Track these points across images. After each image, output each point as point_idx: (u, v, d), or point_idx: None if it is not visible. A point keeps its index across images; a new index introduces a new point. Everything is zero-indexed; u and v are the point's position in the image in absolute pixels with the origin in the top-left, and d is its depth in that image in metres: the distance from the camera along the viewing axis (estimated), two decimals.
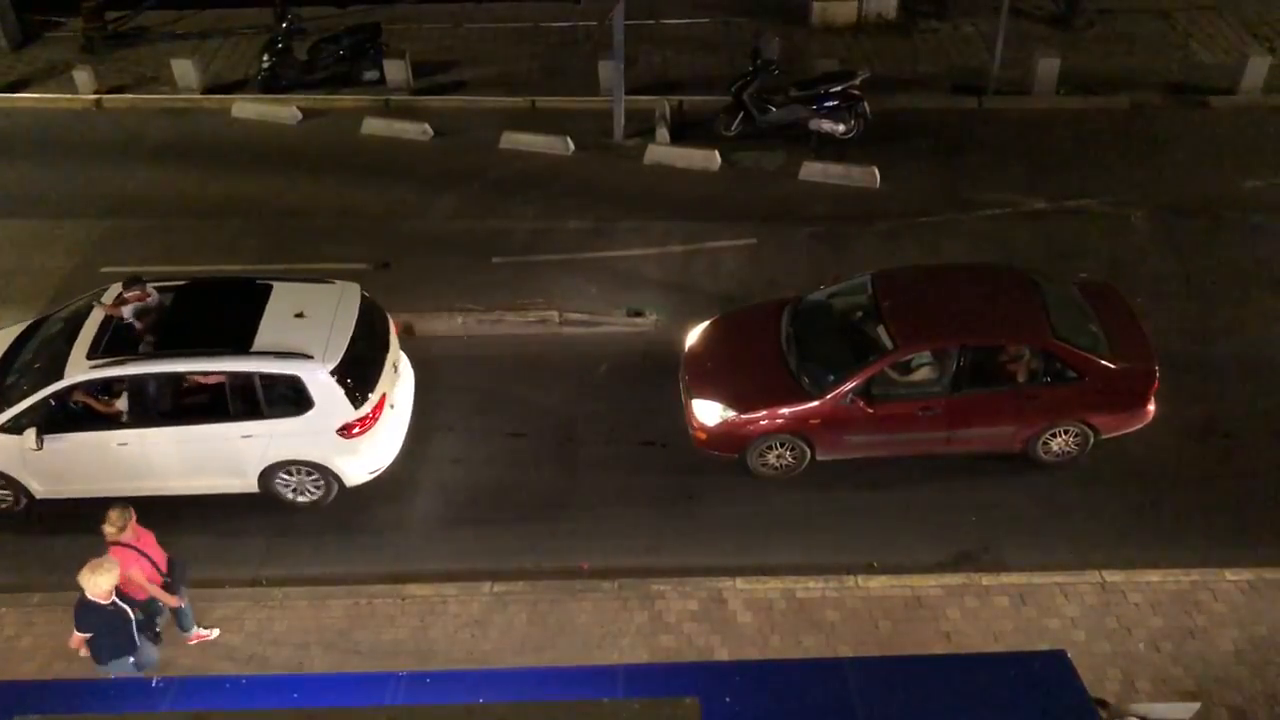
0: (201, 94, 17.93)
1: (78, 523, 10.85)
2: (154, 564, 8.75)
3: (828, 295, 11.80)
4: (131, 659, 8.50)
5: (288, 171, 16.07)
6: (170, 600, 8.91)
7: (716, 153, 16.03)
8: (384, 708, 6.51)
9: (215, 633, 9.65)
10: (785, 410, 10.72)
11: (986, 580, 10.02)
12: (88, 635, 8.18)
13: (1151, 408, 10.88)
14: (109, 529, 8.59)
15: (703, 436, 10.98)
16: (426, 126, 16.84)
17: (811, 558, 10.36)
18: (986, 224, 14.70)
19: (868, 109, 16.11)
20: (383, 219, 15.03)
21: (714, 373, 11.25)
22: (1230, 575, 10.01)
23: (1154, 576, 10.01)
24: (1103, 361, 10.62)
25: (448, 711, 6.46)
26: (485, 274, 13.85)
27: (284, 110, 17.37)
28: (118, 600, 8.19)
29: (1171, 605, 9.77)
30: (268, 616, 9.84)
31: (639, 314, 13.25)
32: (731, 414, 10.81)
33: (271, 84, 17.84)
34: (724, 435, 10.89)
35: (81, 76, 17.87)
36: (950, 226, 14.65)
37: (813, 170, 15.72)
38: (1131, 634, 9.53)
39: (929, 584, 10.01)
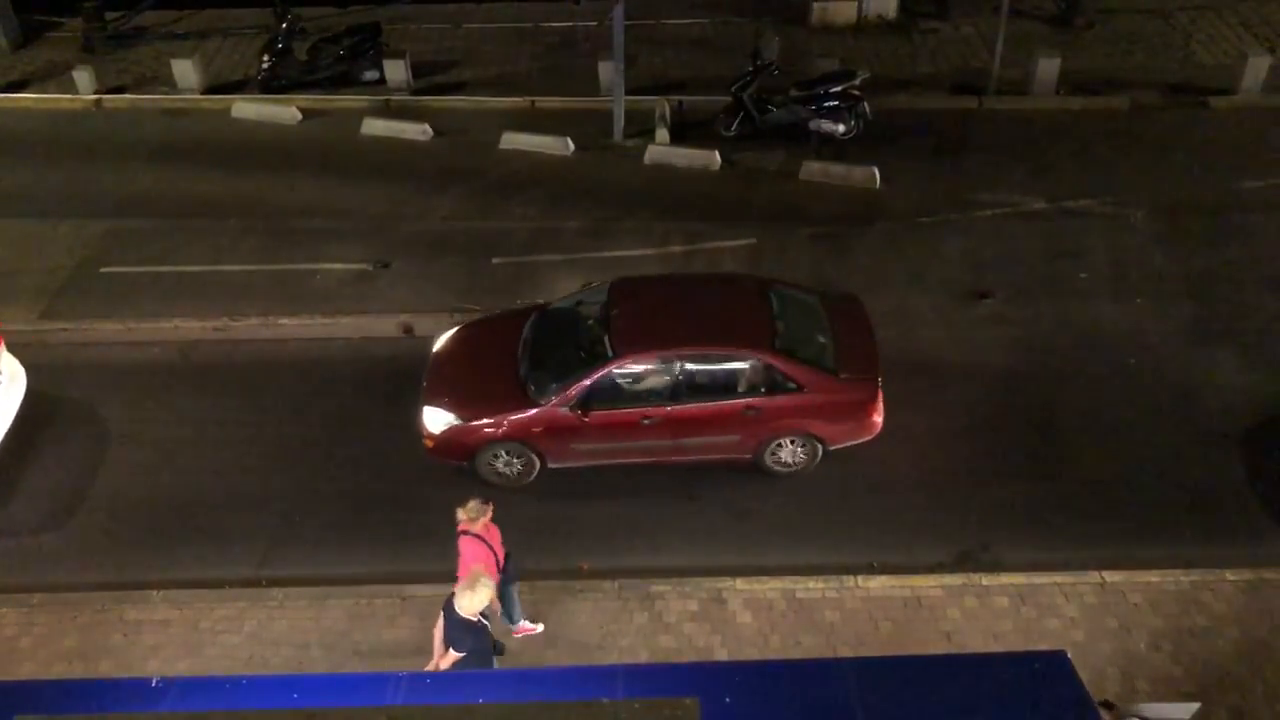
0: (201, 94, 17.93)
1: (78, 522, 10.92)
2: (496, 559, 8.71)
3: (574, 302, 11.72)
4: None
5: (288, 172, 16.07)
6: (495, 604, 8.69)
7: (716, 153, 16.03)
8: (384, 708, 6.51)
9: (540, 627, 9.60)
10: (508, 418, 10.69)
11: (986, 580, 10.02)
12: (462, 655, 7.99)
13: (878, 419, 10.88)
14: (464, 516, 8.57)
15: (430, 444, 10.93)
16: (426, 127, 16.85)
17: (807, 558, 10.36)
18: (986, 224, 14.70)
19: (868, 109, 16.12)
20: (383, 219, 15.03)
21: (449, 379, 11.22)
22: (1230, 575, 10.00)
23: (1154, 577, 10.00)
24: (824, 374, 10.65)
25: (448, 712, 6.47)
26: (485, 274, 13.86)
27: (284, 110, 17.37)
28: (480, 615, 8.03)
29: (1171, 605, 9.77)
30: (268, 616, 9.84)
31: None
32: (457, 421, 10.77)
33: (271, 84, 17.84)
34: (450, 442, 10.85)
35: (81, 77, 17.88)
36: (950, 227, 14.66)
37: (813, 170, 15.72)
38: (1131, 634, 9.53)
39: (929, 584, 10.01)
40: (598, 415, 10.59)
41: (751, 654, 9.40)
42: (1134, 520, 10.66)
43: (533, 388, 10.79)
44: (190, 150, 16.69)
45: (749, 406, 10.62)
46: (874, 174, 15.53)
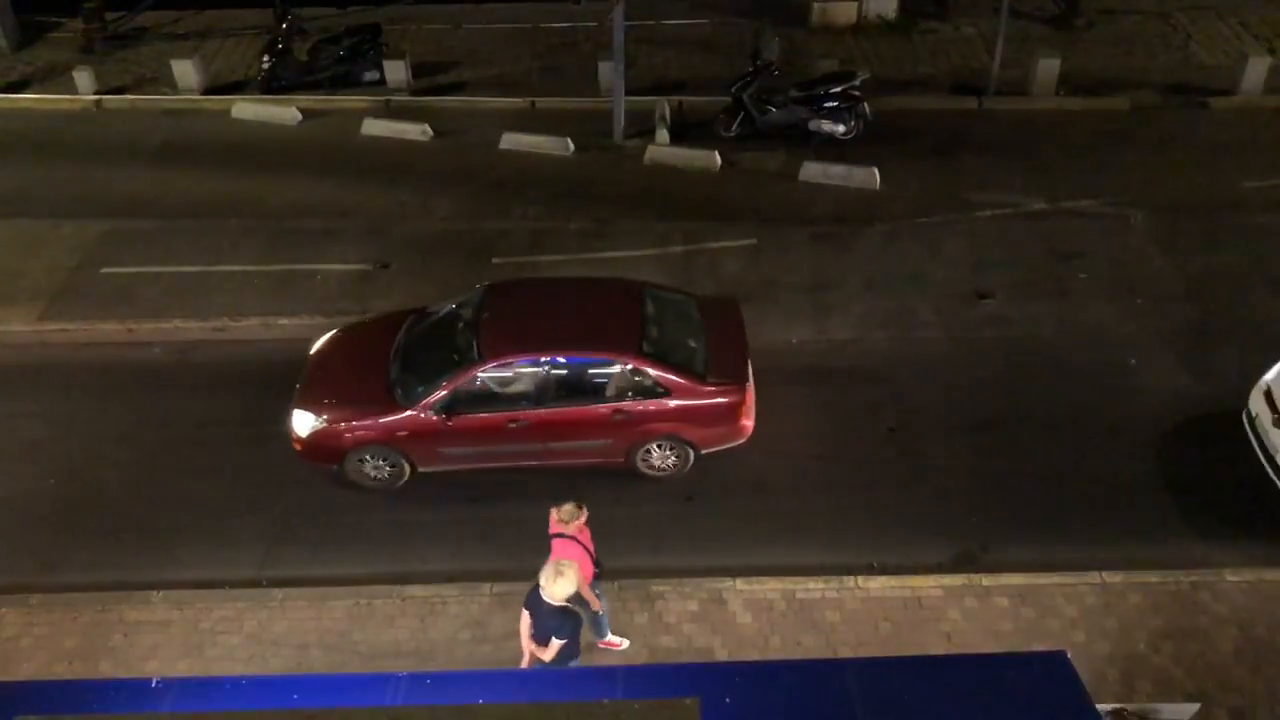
0: (201, 94, 17.95)
1: (81, 522, 10.92)
2: (592, 560, 8.73)
3: (453, 306, 11.65)
4: (574, 661, 8.43)
5: (288, 172, 16.08)
6: (594, 603, 8.83)
7: (716, 153, 16.04)
8: (384, 708, 6.51)
9: (625, 643, 9.50)
10: (373, 422, 10.65)
11: (986, 581, 10.01)
12: (564, 641, 8.05)
13: (748, 424, 10.89)
14: (559, 518, 8.60)
15: (298, 447, 10.90)
16: (427, 127, 16.85)
17: (810, 558, 10.36)
18: (986, 224, 14.70)
19: (868, 109, 16.13)
20: (383, 219, 15.03)
21: (321, 382, 11.19)
22: (1230, 575, 9.99)
23: (1154, 577, 9.99)
24: (692, 378, 10.65)
25: (448, 712, 6.46)
26: (485, 274, 13.84)
27: (284, 111, 17.38)
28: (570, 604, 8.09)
29: (1171, 605, 9.76)
30: (268, 617, 9.84)
31: None
32: (323, 424, 10.75)
33: (271, 85, 17.86)
34: (317, 445, 10.82)
35: (81, 77, 17.89)
36: (950, 227, 14.66)
37: (813, 171, 15.72)
38: (1131, 634, 9.53)
39: (929, 584, 10.00)
40: (464, 419, 10.55)
41: (751, 654, 9.38)
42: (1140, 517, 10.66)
43: (399, 391, 10.76)
44: (190, 151, 16.70)
45: (617, 411, 10.60)
46: (874, 174, 15.53)
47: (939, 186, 15.44)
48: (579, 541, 8.67)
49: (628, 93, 16.36)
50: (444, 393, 10.52)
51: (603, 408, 10.62)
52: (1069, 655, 7.13)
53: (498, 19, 19.99)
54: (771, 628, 9.64)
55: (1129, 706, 8.38)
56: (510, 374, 10.67)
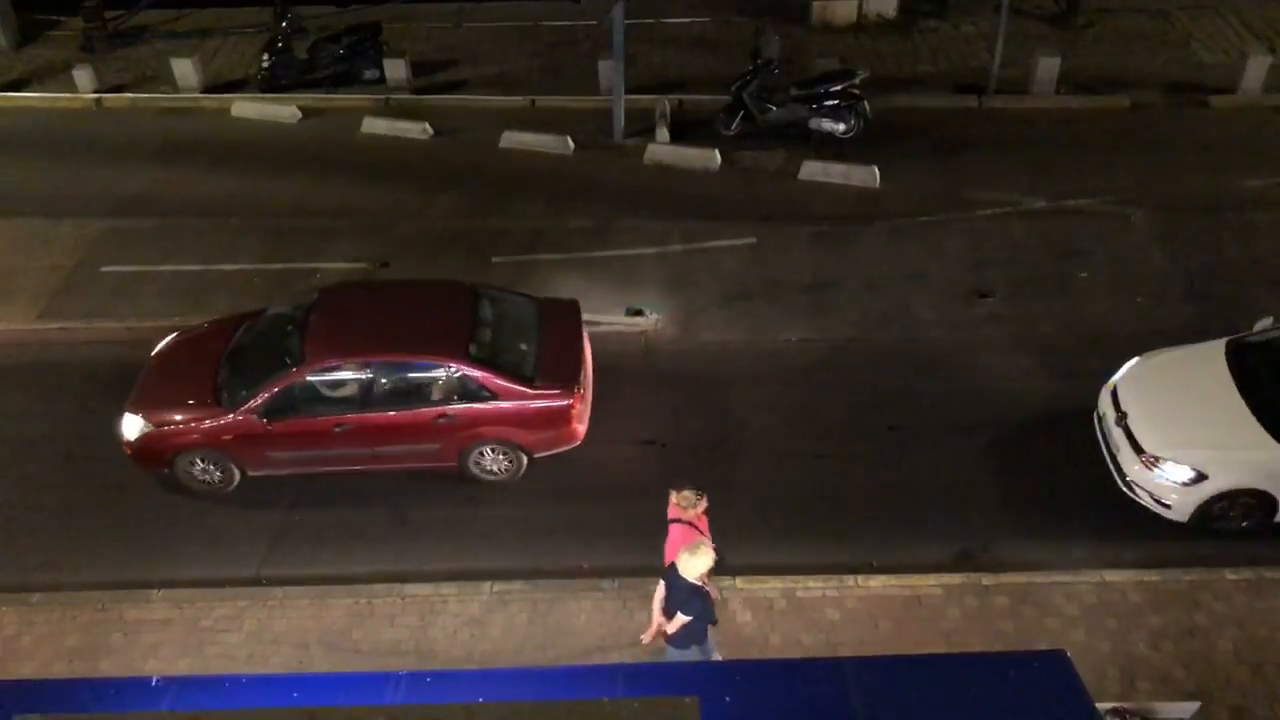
0: (201, 93, 17.95)
1: (81, 523, 10.92)
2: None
3: (289, 309, 11.61)
4: (699, 646, 8.51)
5: (288, 171, 16.08)
6: (714, 591, 8.83)
7: (716, 152, 16.03)
8: (384, 707, 6.51)
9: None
10: (198, 426, 10.63)
11: (986, 580, 10.00)
12: (689, 619, 8.14)
13: (579, 428, 10.91)
14: (680, 502, 8.63)
15: (129, 451, 10.88)
16: (426, 126, 16.85)
17: (810, 558, 10.37)
18: (986, 223, 14.69)
19: (868, 108, 16.11)
20: (382, 218, 15.03)
21: (153, 385, 11.16)
22: (1230, 575, 9.99)
23: (1154, 576, 10.00)
24: (519, 382, 10.65)
25: (448, 711, 6.47)
26: (485, 273, 13.84)
27: (284, 110, 17.38)
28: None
29: (1171, 605, 9.76)
30: (268, 616, 9.84)
31: (639, 313, 13.24)
32: (150, 428, 10.72)
33: (271, 83, 17.85)
34: (145, 450, 10.81)
35: (81, 76, 17.89)
36: (950, 225, 14.65)
37: (813, 169, 15.72)
38: (1131, 634, 9.53)
39: (929, 584, 10.00)
40: (288, 423, 10.54)
41: (751, 653, 9.39)
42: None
43: (225, 395, 10.75)
44: (190, 149, 16.70)
45: (441, 414, 10.59)
46: (874, 173, 15.52)
47: (939, 185, 15.44)
48: (696, 528, 8.65)
49: (628, 91, 16.36)
50: (266, 396, 10.50)
51: (428, 411, 10.61)
52: (1069, 654, 7.14)
53: (497, 18, 19.95)
54: (771, 626, 9.64)
55: (1129, 705, 8.38)
56: (334, 378, 10.64)
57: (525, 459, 11.00)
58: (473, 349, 10.66)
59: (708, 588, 8.27)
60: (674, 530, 8.66)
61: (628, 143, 16.43)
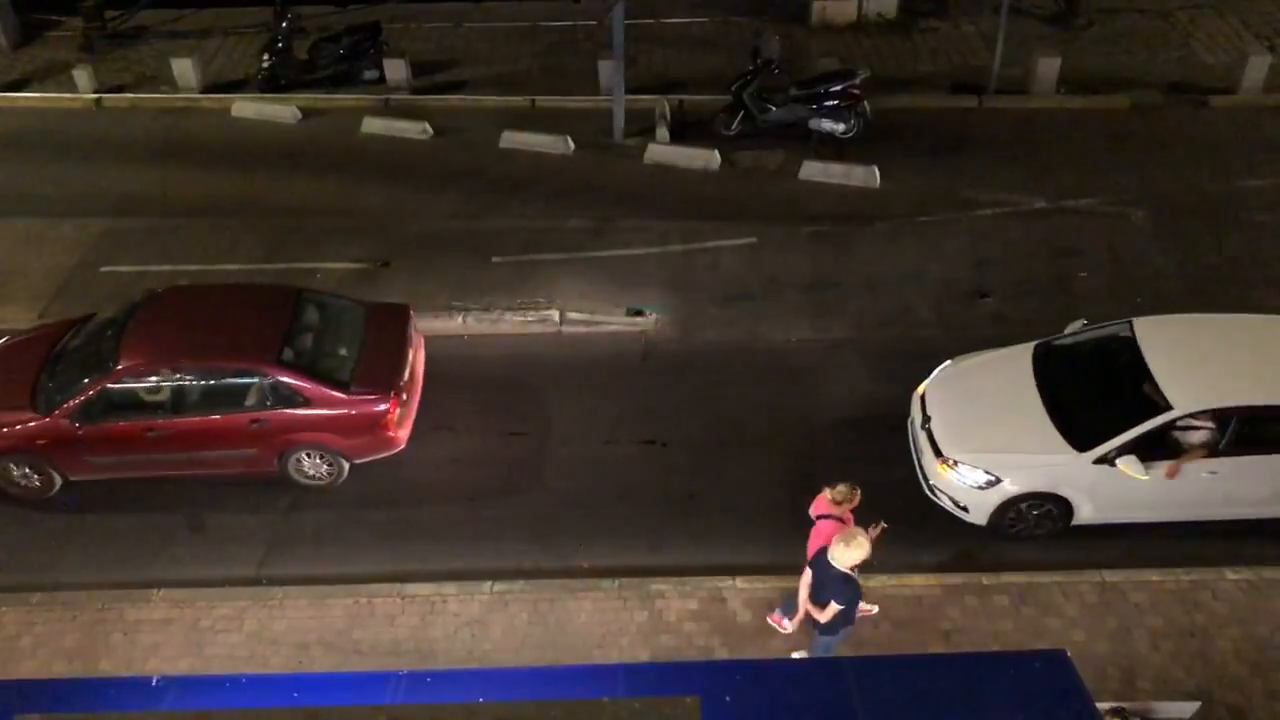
0: (201, 93, 17.93)
1: (80, 520, 10.93)
2: None
3: (116, 313, 11.53)
4: (846, 630, 8.60)
5: (287, 171, 16.07)
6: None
7: (716, 152, 16.03)
8: (384, 707, 6.51)
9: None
10: (12, 430, 10.56)
11: (986, 580, 10.01)
12: (842, 607, 8.23)
13: (396, 434, 10.88)
14: (833, 498, 8.67)
15: None
16: (426, 126, 16.84)
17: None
18: (987, 223, 14.69)
19: (868, 108, 16.11)
20: (383, 218, 15.03)
21: None
22: (1230, 574, 10.00)
23: (1154, 576, 10.00)
24: (332, 388, 10.63)
25: (448, 711, 6.47)
26: (485, 273, 13.86)
27: (284, 110, 17.37)
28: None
29: (1171, 604, 9.77)
30: (268, 615, 9.84)
31: (639, 313, 13.25)
32: None
33: (271, 83, 17.84)
34: None
35: (81, 76, 17.87)
36: (951, 225, 14.65)
37: (813, 169, 15.72)
38: (1131, 633, 9.53)
39: (929, 583, 10.00)
40: (101, 428, 10.50)
41: (752, 653, 9.39)
42: None
43: (41, 399, 10.72)
44: (190, 149, 16.69)
45: (255, 419, 10.59)
46: (874, 173, 15.52)
47: (939, 185, 15.43)
48: (844, 523, 8.66)
49: (628, 91, 16.35)
50: (77, 401, 10.47)
51: (241, 416, 10.60)
52: (1069, 654, 7.14)
53: (497, 18, 19.96)
54: (771, 626, 9.64)
55: (1129, 705, 8.39)
56: (147, 383, 10.61)
57: (345, 465, 10.99)
58: (286, 354, 10.62)
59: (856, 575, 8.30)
60: (822, 525, 8.72)
61: (628, 143, 16.43)
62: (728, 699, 6.59)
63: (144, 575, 10.33)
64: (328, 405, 10.62)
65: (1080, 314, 13.04)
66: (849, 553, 8.04)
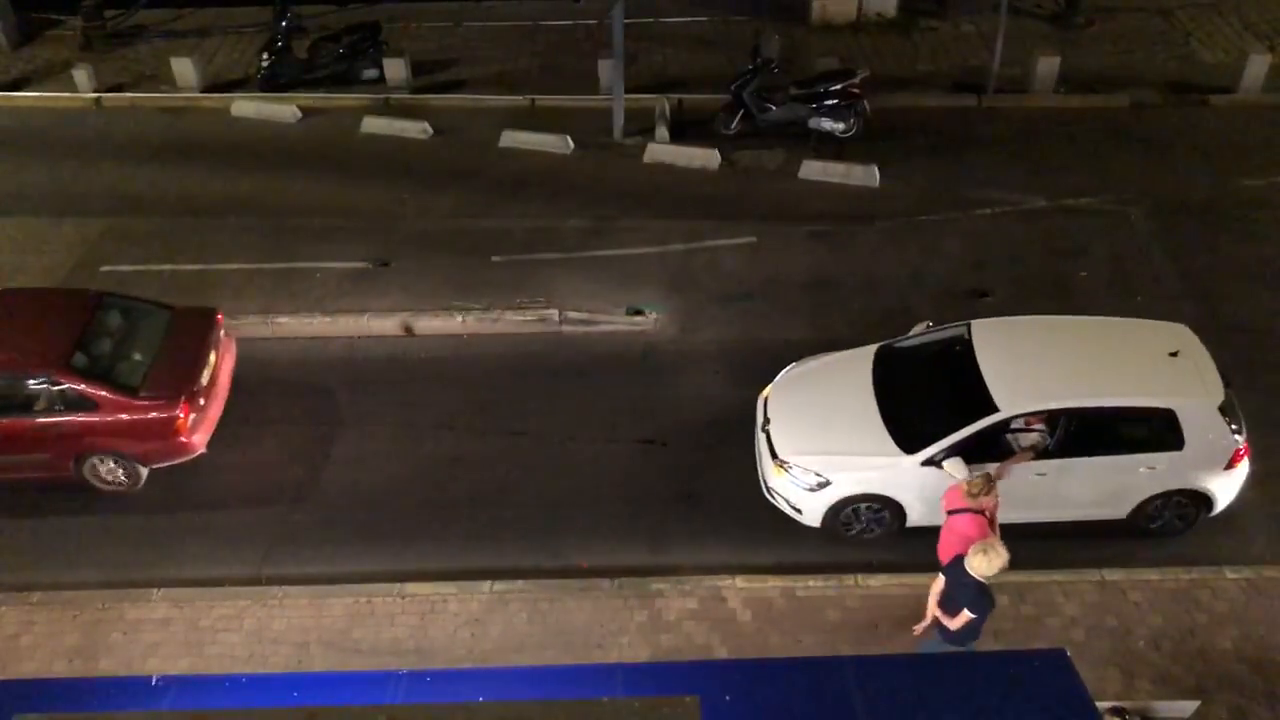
0: (201, 93, 17.93)
1: (83, 522, 10.93)
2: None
3: None
4: (974, 643, 8.51)
5: (287, 170, 16.07)
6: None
7: (716, 151, 16.03)
8: (384, 706, 6.51)
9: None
10: None
11: None
12: (975, 616, 8.17)
13: (191, 440, 10.85)
14: (969, 490, 8.60)
15: None
16: (426, 125, 16.84)
17: (804, 556, 10.38)
18: (986, 222, 14.70)
19: (867, 107, 16.11)
20: (382, 217, 15.02)
21: None
22: (1230, 573, 10.01)
23: (1154, 575, 10.01)
24: (121, 393, 10.61)
25: (448, 710, 6.47)
26: (485, 272, 13.85)
27: (284, 109, 17.37)
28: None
29: (1171, 603, 9.77)
30: (268, 615, 9.84)
31: (639, 313, 13.25)
32: None
33: (271, 83, 17.83)
34: None
35: (81, 75, 17.87)
36: (950, 225, 14.66)
37: (812, 169, 15.72)
38: (1131, 632, 9.53)
39: (929, 582, 9.95)
40: None
41: (751, 652, 9.39)
42: None
43: None
44: (190, 149, 16.69)
45: (45, 424, 10.58)
46: (874, 172, 15.53)
47: (939, 184, 15.44)
48: (983, 515, 8.60)
49: (627, 91, 16.35)
50: None
51: (29, 421, 10.58)
52: (1068, 653, 7.14)
53: (497, 17, 19.96)
54: (771, 625, 9.64)
55: (1128, 704, 8.40)
56: None
57: (143, 470, 10.99)
58: (77, 359, 10.62)
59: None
60: (955, 521, 8.65)
61: (627, 142, 16.43)
62: (727, 699, 6.59)
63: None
64: (117, 411, 10.60)
65: (1081, 313, 13.05)
66: (988, 562, 7.93)
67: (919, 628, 8.86)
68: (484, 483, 11.26)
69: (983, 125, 16.80)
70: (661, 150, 16.18)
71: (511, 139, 16.59)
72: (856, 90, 16.04)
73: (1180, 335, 10.49)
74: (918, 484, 9.93)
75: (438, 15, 20.11)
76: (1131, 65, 17.98)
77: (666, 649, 9.47)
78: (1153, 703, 8.74)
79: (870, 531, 10.36)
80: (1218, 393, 9.89)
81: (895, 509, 10.15)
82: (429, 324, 13.14)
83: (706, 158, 16.01)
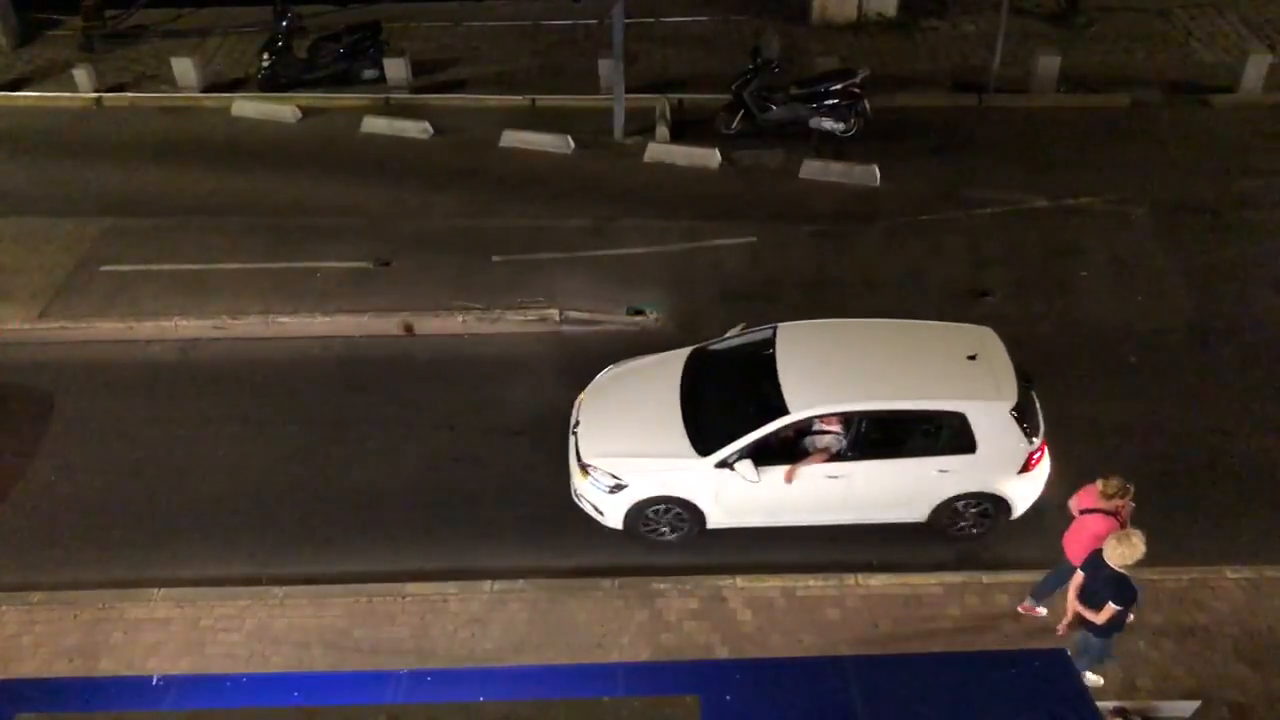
0: (201, 92, 17.93)
1: (80, 520, 10.93)
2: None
3: None
4: (1117, 636, 8.60)
5: (288, 170, 16.07)
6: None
7: (717, 151, 16.03)
8: (385, 706, 6.52)
9: (1043, 611, 9.62)
10: None
11: (987, 579, 10.01)
12: (1120, 608, 8.21)
13: None
14: (1104, 490, 8.62)
15: None
16: (427, 125, 16.84)
17: (811, 556, 10.37)
18: (987, 222, 14.69)
19: (868, 107, 16.10)
20: (383, 217, 15.02)
21: None
22: (1230, 573, 10.01)
23: (1154, 575, 9.97)
24: None
25: (448, 710, 6.48)
26: (485, 272, 13.85)
27: (284, 109, 17.37)
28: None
29: (1171, 603, 9.77)
30: (268, 615, 9.85)
31: (639, 312, 13.25)
32: None
33: (271, 82, 17.83)
34: None
35: (81, 75, 17.87)
36: (951, 225, 14.65)
37: (813, 168, 15.71)
38: (1132, 632, 9.52)
39: (929, 582, 10.00)
40: None
41: (752, 652, 9.40)
42: None
43: None
44: (190, 148, 16.69)
45: None
46: (874, 172, 15.52)
47: (939, 184, 15.43)
48: (1116, 516, 8.61)
49: (628, 90, 16.35)
50: None
51: None
52: (1069, 653, 7.14)
53: (497, 17, 19.97)
54: (772, 625, 9.65)
55: (1129, 704, 8.40)
56: None
57: None
58: None
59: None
60: (1087, 520, 8.67)
61: (628, 142, 16.42)
62: (728, 698, 6.60)
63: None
64: None
65: (1082, 313, 13.11)
66: (1129, 551, 7.97)
67: (1061, 626, 8.88)
68: (488, 481, 11.26)
69: (983, 125, 16.80)
70: (662, 150, 16.18)
71: (512, 139, 16.59)
72: (857, 90, 16.03)
73: (984, 338, 10.54)
74: (713, 486, 9.94)
75: (438, 15, 20.11)
76: (1131, 65, 17.98)
77: (667, 648, 9.47)
78: (1153, 702, 8.75)
79: (672, 534, 10.36)
80: (1011, 396, 9.88)
81: (693, 511, 10.15)
82: (429, 324, 13.14)
83: (707, 157, 16.01)
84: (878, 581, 10.02)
